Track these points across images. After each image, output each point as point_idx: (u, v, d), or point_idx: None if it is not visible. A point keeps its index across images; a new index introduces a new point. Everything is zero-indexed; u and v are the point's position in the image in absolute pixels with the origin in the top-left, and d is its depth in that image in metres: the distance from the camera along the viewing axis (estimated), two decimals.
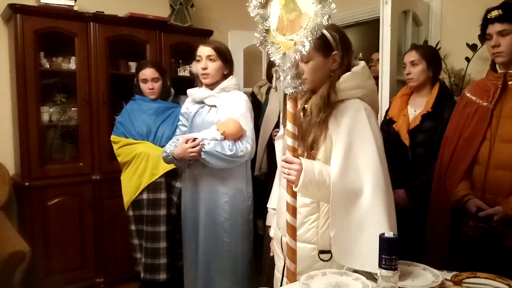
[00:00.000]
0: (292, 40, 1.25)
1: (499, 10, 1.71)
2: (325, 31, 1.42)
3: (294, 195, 1.31)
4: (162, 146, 2.36)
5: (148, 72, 2.60)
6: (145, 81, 2.62)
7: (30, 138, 2.80)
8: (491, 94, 1.79)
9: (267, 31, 1.34)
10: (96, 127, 3.02)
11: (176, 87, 2.96)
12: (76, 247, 2.98)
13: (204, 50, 2.16)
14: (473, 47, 2.60)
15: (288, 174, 1.31)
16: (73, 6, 2.94)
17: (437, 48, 2.71)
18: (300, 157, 1.34)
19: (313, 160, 1.39)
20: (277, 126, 2.63)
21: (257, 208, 2.36)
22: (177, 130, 2.38)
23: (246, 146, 2.11)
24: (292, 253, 1.31)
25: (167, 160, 2.18)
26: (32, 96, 2.79)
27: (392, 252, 0.99)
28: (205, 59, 2.15)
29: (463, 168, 1.83)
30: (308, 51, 1.20)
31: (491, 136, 1.76)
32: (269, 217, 1.92)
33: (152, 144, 2.56)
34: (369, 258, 1.23)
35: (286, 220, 1.31)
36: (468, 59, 2.66)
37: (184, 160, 2.12)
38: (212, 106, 2.21)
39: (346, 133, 1.35)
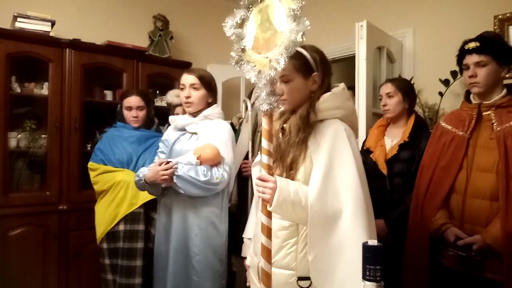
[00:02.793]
0: (267, 57, 1.23)
1: (477, 42, 1.77)
2: (305, 52, 1.43)
3: (269, 215, 1.25)
4: None
5: (133, 100, 2.52)
6: (129, 108, 2.53)
7: None
8: (466, 124, 1.81)
9: (243, 50, 1.33)
10: (66, 154, 2.91)
11: None
12: (38, 281, 2.78)
13: (187, 79, 2.13)
14: (446, 82, 2.69)
15: (263, 193, 1.26)
16: (49, 32, 2.91)
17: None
18: (275, 176, 1.29)
19: (292, 180, 1.35)
20: (246, 157, 2.57)
21: (230, 242, 2.19)
22: (156, 157, 2.27)
23: (222, 173, 2.00)
24: (267, 278, 1.23)
25: (139, 185, 2.05)
26: (0, 120, 2.68)
27: (378, 262, 0.92)
28: (188, 87, 2.11)
29: (441, 197, 1.82)
30: (283, 68, 1.19)
31: (467, 165, 1.77)
32: (245, 248, 1.83)
33: (133, 172, 2.40)
34: (350, 283, 1.18)
35: (261, 243, 1.24)
36: (441, 94, 2.73)
37: (157, 185, 2.01)
38: (193, 133, 2.15)
39: (326, 153, 1.32)
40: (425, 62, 2.98)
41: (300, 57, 1.42)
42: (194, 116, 2.16)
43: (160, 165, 1.92)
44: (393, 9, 3.19)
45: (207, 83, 2.15)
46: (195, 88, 2.11)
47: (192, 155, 2.00)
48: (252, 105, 2.90)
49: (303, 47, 1.45)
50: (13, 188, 2.84)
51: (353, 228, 1.25)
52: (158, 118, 2.97)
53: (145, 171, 2.00)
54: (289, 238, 1.37)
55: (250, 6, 1.31)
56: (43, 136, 2.93)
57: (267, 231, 1.24)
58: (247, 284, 1.64)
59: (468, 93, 1.89)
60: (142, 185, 2.02)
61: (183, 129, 2.20)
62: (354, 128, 1.47)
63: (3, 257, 2.66)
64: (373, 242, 0.95)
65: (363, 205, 1.28)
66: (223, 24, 1.36)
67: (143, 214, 2.38)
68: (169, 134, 2.25)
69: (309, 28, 1.16)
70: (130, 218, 2.36)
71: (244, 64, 1.30)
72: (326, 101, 1.40)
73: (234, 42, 1.33)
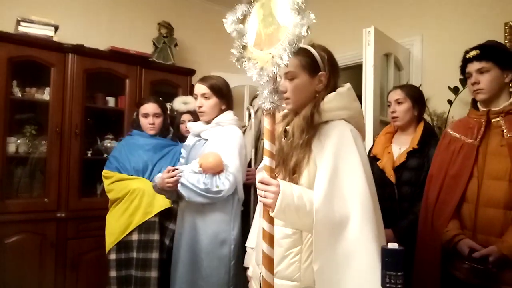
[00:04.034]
0: (270, 54, 1.17)
1: (477, 50, 1.77)
2: (313, 50, 1.38)
3: (271, 221, 1.18)
4: None
5: (150, 107, 2.51)
6: (146, 115, 2.51)
7: None
8: (475, 131, 1.76)
9: (244, 47, 1.27)
10: (66, 161, 2.86)
11: None
12: None
13: (199, 88, 2.17)
14: (455, 90, 2.62)
15: (265, 198, 1.19)
16: (52, 36, 2.89)
17: None
18: (278, 179, 1.22)
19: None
20: (249, 165, 2.54)
21: None
22: (177, 162, 2.37)
23: (223, 182, 1.98)
24: None
25: (155, 189, 2.12)
26: None
27: (399, 267, 0.83)
28: (200, 97, 2.16)
29: (452, 207, 1.74)
30: (288, 65, 1.13)
31: (478, 173, 1.71)
32: (248, 257, 1.77)
33: (148, 180, 2.37)
34: None
35: (263, 251, 1.16)
36: (450, 102, 2.65)
37: (168, 191, 2.05)
38: (206, 139, 2.19)
39: (331, 156, 1.25)
40: (433, 70, 2.92)
41: (307, 55, 1.36)
42: (208, 123, 2.20)
43: (168, 172, 1.99)
44: (401, 17, 3.14)
45: (218, 91, 2.17)
46: (206, 97, 2.15)
47: (196, 162, 2.03)
48: (256, 112, 2.85)
49: (312, 45, 1.40)
50: (10, 194, 2.79)
51: (361, 236, 1.17)
52: None
53: (158, 177, 2.08)
54: (292, 247, 1.29)
55: (252, 1, 1.25)
56: (43, 142, 2.89)
57: (269, 239, 1.16)
58: None
59: (475, 101, 1.86)
60: (157, 190, 2.11)
61: (199, 136, 2.25)
62: (361, 130, 1.40)
63: None
64: (394, 245, 0.85)
65: (371, 210, 1.21)
66: (223, 20, 1.31)
67: (157, 223, 2.32)
68: (189, 140, 2.32)
69: (316, 33, 1.10)
70: (144, 227, 2.30)
71: (245, 61, 1.24)
72: (331, 101, 1.33)
73: (235, 38, 1.28)
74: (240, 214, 2.13)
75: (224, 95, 2.19)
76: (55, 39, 2.91)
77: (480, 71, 1.74)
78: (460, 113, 2.58)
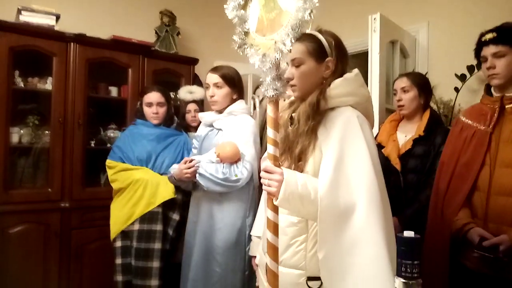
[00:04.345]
0: (273, 39, 1.14)
1: (494, 33, 1.71)
2: (320, 36, 1.35)
3: (275, 209, 1.16)
4: (162, 174, 2.33)
5: (153, 96, 2.48)
6: (150, 104, 2.48)
7: None
8: (488, 118, 1.72)
9: (246, 33, 1.24)
10: (69, 151, 2.84)
11: None
12: (38, 281, 2.69)
13: (211, 78, 2.19)
14: (462, 77, 2.57)
15: (269, 186, 1.17)
16: (54, 26, 2.85)
17: None
18: (282, 167, 1.19)
19: (301, 172, 1.25)
20: None
21: None
22: (190, 153, 2.40)
23: (241, 170, 2.02)
24: (273, 278, 1.13)
25: (171, 180, 2.18)
26: (1, 115, 2.62)
27: (415, 256, 0.80)
28: (212, 86, 2.18)
29: (463, 195, 1.72)
30: (293, 51, 1.10)
31: (490, 161, 1.67)
32: (253, 246, 1.78)
33: (151, 170, 2.37)
34: (364, 284, 1.08)
35: (267, 239, 1.14)
36: (457, 89, 2.61)
37: (185, 181, 2.10)
38: (219, 129, 2.21)
39: (336, 142, 1.22)
40: (440, 57, 2.86)
41: (314, 40, 1.33)
42: (221, 113, 2.22)
43: (185, 163, 2.03)
44: (406, 4, 3.08)
45: (230, 80, 2.19)
46: (218, 86, 2.17)
47: (213, 153, 2.05)
48: (261, 102, 2.82)
49: (319, 31, 1.37)
50: (14, 185, 2.78)
51: (368, 223, 1.15)
52: None
53: (175, 168, 2.12)
54: (298, 235, 1.28)
55: None
56: (46, 132, 2.87)
57: (274, 227, 1.15)
58: (256, 284, 1.56)
59: (488, 86, 1.81)
60: (173, 180, 2.15)
61: (211, 125, 2.26)
62: (369, 117, 1.37)
63: (3, 256, 2.59)
64: (409, 233, 0.83)
65: (378, 198, 1.18)
66: (225, 6, 1.28)
67: (161, 213, 2.31)
68: (200, 130, 2.35)
69: (319, 20, 1.07)
70: (148, 217, 2.29)
71: (247, 48, 1.22)
72: (337, 87, 1.30)
73: (237, 24, 1.25)
74: (255, 202, 2.14)
75: (236, 85, 2.22)
76: (56, 28, 2.87)
77: (496, 55, 1.68)
78: (467, 101, 2.54)
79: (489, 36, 1.71)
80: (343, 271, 1.16)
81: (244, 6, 1.26)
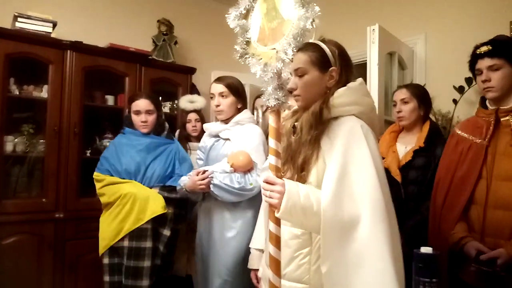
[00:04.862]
0: (274, 49, 1.13)
1: (488, 46, 1.71)
2: (323, 45, 1.34)
3: (277, 222, 1.14)
4: (151, 187, 2.26)
5: (142, 103, 2.35)
6: (138, 112, 2.35)
7: None
8: (484, 131, 1.72)
9: (248, 43, 1.23)
10: (64, 160, 2.81)
11: None
12: None
13: (216, 87, 2.19)
14: (461, 89, 2.57)
15: (270, 198, 1.14)
16: (51, 33, 2.84)
17: None
18: (284, 179, 1.17)
19: (304, 183, 1.23)
20: None
21: None
22: (195, 164, 2.38)
23: (256, 179, 2.03)
24: None
25: (181, 193, 2.16)
26: None
27: (434, 273, 0.77)
28: (217, 96, 2.18)
29: (459, 209, 1.70)
30: (291, 59, 1.09)
31: (487, 174, 1.66)
32: (252, 259, 1.75)
33: (140, 184, 2.26)
34: None
35: (269, 253, 1.12)
36: (455, 101, 2.61)
37: (197, 192, 2.09)
38: (226, 139, 2.21)
39: (340, 152, 1.20)
40: (438, 69, 2.87)
41: (318, 50, 1.32)
42: (226, 123, 2.21)
43: (197, 174, 2.03)
44: (404, 16, 3.10)
45: (235, 90, 2.20)
46: (223, 96, 2.17)
47: (225, 163, 2.06)
48: (264, 112, 2.83)
49: (322, 40, 1.36)
50: (8, 195, 2.73)
51: (373, 236, 1.12)
52: None
53: (185, 180, 2.11)
54: (301, 248, 1.26)
55: None
56: (41, 141, 2.84)
57: (276, 240, 1.13)
58: None
59: (483, 99, 1.80)
60: (184, 193, 2.13)
61: (217, 136, 2.26)
62: (374, 126, 1.35)
63: None
64: (427, 249, 0.79)
65: (383, 209, 1.15)
66: (226, 15, 1.27)
67: (150, 230, 2.19)
68: (205, 141, 2.34)
69: (317, 29, 1.06)
70: (136, 234, 2.17)
71: (249, 57, 1.20)
72: (340, 96, 1.29)
73: (238, 34, 1.24)
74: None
75: (240, 94, 2.23)
76: (53, 35, 2.86)
77: (492, 68, 1.68)
78: (465, 112, 2.54)
79: (484, 49, 1.71)
80: (347, 285, 1.13)
81: (245, 16, 1.25)
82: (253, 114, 2.94)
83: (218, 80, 2.22)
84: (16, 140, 2.77)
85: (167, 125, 2.52)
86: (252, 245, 1.73)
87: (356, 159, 1.20)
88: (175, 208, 2.30)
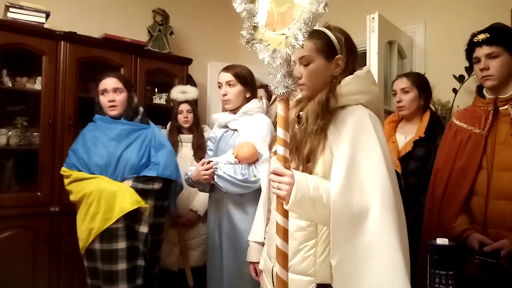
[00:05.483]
0: (284, 34, 1.09)
1: (486, 34, 1.68)
2: (329, 33, 1.30)
3: (285, 214, 1.11)
4: (124, 180, 2.08)
5: (108, 82, 2.14)
6: (104, 92, 2.13)
7: None
8: (483, 121, 1.69)
9: (255, 28, 1.19)
10: (59, 153, 2.75)
11: (151, 115, 2.73)
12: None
13: (223, 76, 2.16)
14: (461, 78, 2.55)
15: (278, 189, 1.11)
16: (44, 23, 2.77)
17: None
18: (292, 170, 1.14)
19: (310, 174, 1.20)
20: None
21: None
22: (206, 155, 2.35)
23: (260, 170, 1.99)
24: (283, 286, 1.07)
25: (188, 183, 2.13)
26: None
27: (450, 266, 0.74)
28: (225, 85, 2.15)
29: (460, 201, 1.68)
30: (302, 48, 1.05)
31: (487, 165, 1.64)
32: (250, 252, 1.72)
33: (108, 178, 2.05)
34: None
35: (276, 246, 1.09)
36: (455, 90, 2.59)
37: (203, 183, 2.08)
38: (235, 130, 2.18)
39: (348, 143, 1.17)
40: (437, 58, 2.85)
41: (323, 37, 1.28)
42: (235, 113, 2.18)
43: (202, 165, 2.01)
44: (403, 4, 3.06)
45: (243, 79, 2.15)
46: (231, 85, 2.14)
47: (231, 154, 2.03)
48: (271, 105, 2.79)
49: (327, 27, 1.32)
50: (1, 188, 2.69)
51: (382, 227, 1.10)
52: (157, 117, 2.81)
53: (192, 170, 2.09)
54: (307, 240, 1.23)
55: None
56: (35, 133, 2.79)
57: (283, 233, 1.10)
58: None
59: (480, 88, 1.78)
60: (190, 182, 2.12)
61: (226, 126, 2.23)
62: (380, 116, 1.32)
63: None
64: (443, 241, 0.76)
65: (393, 201, 1.13)
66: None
67: (123, 229, 1.99)
68: (215, 131, 2.31)
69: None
70: (106, 235, 1.98)
71: (256, 43, 1.16)
72: (347, 85, 1.25)
73: (245, 19, 1.19)
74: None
75: (249, 83, 2.18)
76: (46, 26, 2.79)
77: (490, 56, 1.65)
78: (465, 102, 2.52)
79: (481, 36, 1.68)
80: (357, 278, 1.11)
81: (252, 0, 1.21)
82: None
83: (226, 69, 2.19)
84: (9, 133, 2.72)
85: (141, 109, 2.31)
86: (250, 237, 1.70)
87: (365, 149, 1.17)
88: (156, 200, 2.12)
